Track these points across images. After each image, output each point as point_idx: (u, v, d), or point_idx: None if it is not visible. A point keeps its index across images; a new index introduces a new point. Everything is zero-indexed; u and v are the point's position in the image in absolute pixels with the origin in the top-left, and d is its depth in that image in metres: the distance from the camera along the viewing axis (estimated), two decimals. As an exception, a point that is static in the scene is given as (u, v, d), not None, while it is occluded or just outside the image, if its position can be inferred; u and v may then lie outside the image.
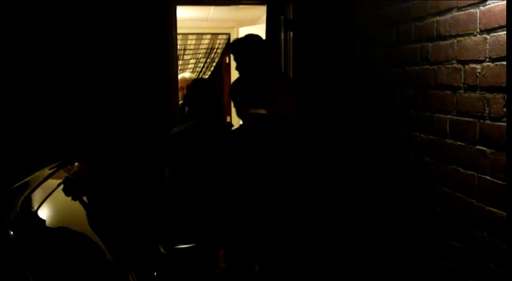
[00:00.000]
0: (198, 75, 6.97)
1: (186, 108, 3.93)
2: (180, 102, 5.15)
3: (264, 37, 3.83)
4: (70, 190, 2.08)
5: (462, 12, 2.21)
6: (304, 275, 3.43)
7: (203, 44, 7.01)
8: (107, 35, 3.64)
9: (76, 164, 2.43)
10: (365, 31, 3.39)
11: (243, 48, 3.31)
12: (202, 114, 3.31)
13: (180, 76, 4.72)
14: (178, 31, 4.06)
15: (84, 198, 2.18)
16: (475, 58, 2.11)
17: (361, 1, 3.55)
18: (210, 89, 3.42)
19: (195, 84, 3.55)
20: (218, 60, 7.12)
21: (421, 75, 2.60)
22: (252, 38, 3.38)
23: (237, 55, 3.35)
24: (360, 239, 3.54)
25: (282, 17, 3.98)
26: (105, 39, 3.64)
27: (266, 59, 3.29)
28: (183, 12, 5.23)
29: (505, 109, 1.91)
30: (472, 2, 2.12)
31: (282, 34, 3.98)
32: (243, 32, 5.60)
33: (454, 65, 2.29)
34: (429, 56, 2.51)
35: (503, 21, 1.91)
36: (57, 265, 1.53)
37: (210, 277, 3.29)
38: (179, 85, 4.64)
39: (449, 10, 2.31)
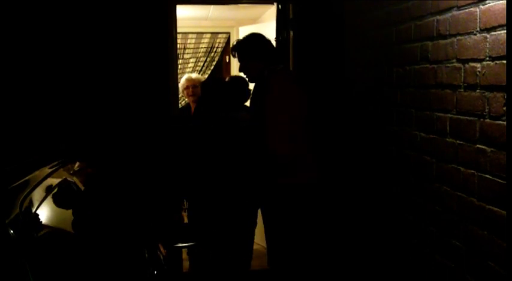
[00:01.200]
0: (199, 74, 6.97)
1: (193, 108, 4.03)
2: (182, 101, 5.15)
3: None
4: (69, 191, 2.08)
5: (462, 11, 2.21)
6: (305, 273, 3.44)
7: (203, 43, 7.00)
8: (106, 33, 3.64)
9: (76, 163, 2.43)
10: (364, 31, 3.39)
11: (247, 47, 3.32)
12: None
13: (186, 76, 4.73)
14: (178, 30, 4.05)
15: (84, 197, 2.18)
16: (475, 57, 2.11)
17: (352, 2, 3.56)
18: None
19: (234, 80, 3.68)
20: (218, 59, 7.11)
21: (421, 74, 2.60)
22: (254, 36, 3.39)
23: (241, 55, 3.35)
24: (360, 238, 3.55)
25: (283, 16, 3.98)
26: (105, 38, 3.64)
27: (270, 56, 3.30)
28: (183, 11, 5.23)
29: (504, 108, 1.92)
30: (472, 1, 2.12)
31: (285, 33, 3.99)
32: (242, 31, 5.60)
33: (454, 64, 2.29)
34: (429, 55, 2.51)
35: (503, 20, 1.91)
36: (56, 263, 1.53)
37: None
38: (185, 84, 4.65)
39: (449, 9, 2.31)
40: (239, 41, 3.43)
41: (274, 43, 3.92)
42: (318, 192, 3.28)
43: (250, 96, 3.42)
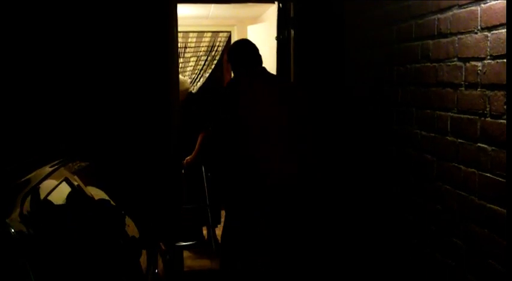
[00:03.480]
0: (199, 73, 6.97)
1: None
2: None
3: (267, 34, 3.97)
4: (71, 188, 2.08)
5: (463, 10, 2.20)
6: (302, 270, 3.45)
7: (204, 42, 7.00)
8: (107, 33, 3.64)
9: (77, 162, 2.43)
10: (364, 30, 3.39)
11: (229, 53, 3.61)
12: None
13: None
14: (179, 29, 4.06)
15: (85, 196, 2.18)
16: (476, 56, 2.11)
17: (352, 1, 3.57)
18: None
19: None
20: (219, 58, 7.11)
21: (422, 73, 2.60)
22: (233, 45, 3.69)
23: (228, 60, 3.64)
24: (360, 238, 3.55)
25: (284, 15, 3.99)
26: (106, 37, 3.64)
27: (246, 63, 3.49)
28: (183, 10, 5.23)
29: (505, 107, 1.91)
30: (473, -1, 2.12)
31: (286, 32, 4.00)
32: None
33: (455, 62, 2.28)
34: (430, 54, 2.51)
35: (504, 19, 1.91)
36: (57, 263, 1.53)
37: None
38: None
39: (450, 8, 2.31)
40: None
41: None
42: (299, 193, 3.34)
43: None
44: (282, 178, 3.25)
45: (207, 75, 7.05)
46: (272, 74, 3.74)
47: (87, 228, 1.94)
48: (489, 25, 2.01)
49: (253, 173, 3.23)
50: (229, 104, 3.36)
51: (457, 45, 2.26)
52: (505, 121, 1.92)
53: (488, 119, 2.03)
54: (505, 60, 1.90)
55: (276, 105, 3.29)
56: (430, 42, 2.50)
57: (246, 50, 3.51)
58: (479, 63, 2.09)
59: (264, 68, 3.54)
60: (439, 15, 2.41)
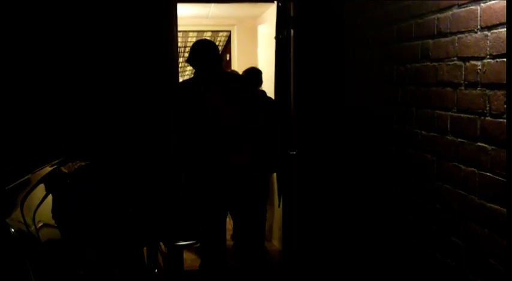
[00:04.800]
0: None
1: None
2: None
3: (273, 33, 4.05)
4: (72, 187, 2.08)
5: (463, 9, 2.20)
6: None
7: (204, 41, 6.99)
8: (107, 33, 3.64)
9: (77, 161, 2.43)
10: (363, 30, 3.39)
11: (189, 54, 3.79)
12: None
13: None
14: (179, 29, 4.05)
15: (85, 196, 2.18)
16: (476, 55, 2.11)
17: (352, 0, 3.57)
18: None
19: None
20: (219, 57, 7.11)
21: (422, 72, 2.60)
22: (193, 45, 3.83)
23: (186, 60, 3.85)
24: (360, 238, 3.55)
25: (284, 14, 3.99)
26: (106, 37, 3.64)
27: (201, 63, 3.66)
28: (183, 10, 5.22)
29: (505, 106, 1.91)
30: (473, -2, 2.12)
31: (285, 31, 4.00)
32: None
33: (454, 62, 2.28)
34: (430, 53, 2.51)
35: (504, 18, 1.91)
36: (57, 262, 1.53)
37: None
38: None
39: (449, 7, 2.31)
40: None
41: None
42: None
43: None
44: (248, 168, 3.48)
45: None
46: (227, 73, 3.86)
47: (86, 226, 1.94)
48: (489, 24, 2.01)
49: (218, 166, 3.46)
50: (182, 105, 3.55)
51: (456, 44, 2.26)
52: (505, 120, 1.92)
53: (488, 118, 2.03)
54: (505, 59, 1.91)
55: (231, 104, 3.47)
56: (430, 41, 2.50)
57: (201, 51, 3.64)
58: (479, 63, 2.09)
59: (221, 68, 3.72)
60: (439, 15, 2.41)
